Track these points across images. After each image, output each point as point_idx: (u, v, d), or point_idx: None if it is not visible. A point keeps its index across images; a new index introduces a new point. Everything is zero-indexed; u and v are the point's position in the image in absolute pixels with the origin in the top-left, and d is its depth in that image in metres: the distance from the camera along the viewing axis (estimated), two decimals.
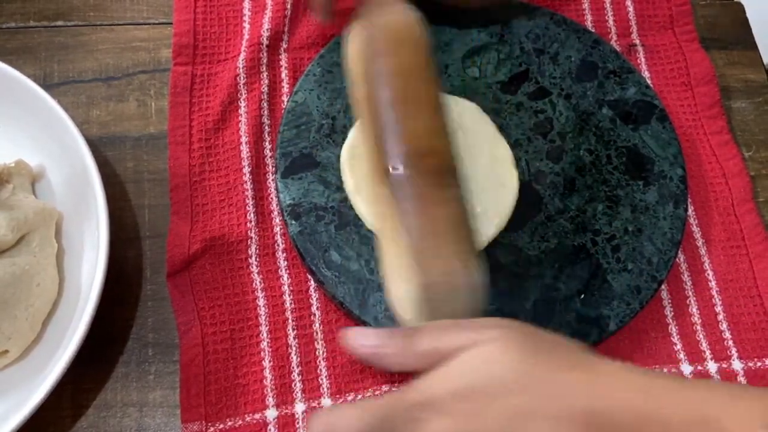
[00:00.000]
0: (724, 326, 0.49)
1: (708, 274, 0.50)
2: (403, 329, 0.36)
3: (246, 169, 0.51)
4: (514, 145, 0.51)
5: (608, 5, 0.59)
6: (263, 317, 0.47)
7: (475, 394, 0.32)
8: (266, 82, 0.54)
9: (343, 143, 0.50)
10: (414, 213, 0.39)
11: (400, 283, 0.39)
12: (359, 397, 0.45)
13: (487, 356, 0.33)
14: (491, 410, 0.32)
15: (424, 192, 0.40)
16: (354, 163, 0.49)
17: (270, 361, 0.46)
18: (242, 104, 0.53)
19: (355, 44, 0.45)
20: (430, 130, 0.42)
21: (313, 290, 0.48)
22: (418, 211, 0.39)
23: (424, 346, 0.35)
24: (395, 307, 0.40)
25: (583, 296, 0.47)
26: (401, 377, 0.46)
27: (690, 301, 0.50)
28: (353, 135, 0.50)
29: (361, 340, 0.36)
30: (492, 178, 0.49)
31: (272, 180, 0.52)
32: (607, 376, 0.33)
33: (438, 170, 0.41)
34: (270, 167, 0.52)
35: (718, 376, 0.47)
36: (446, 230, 0.39)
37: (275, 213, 0.51)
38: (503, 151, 0.50)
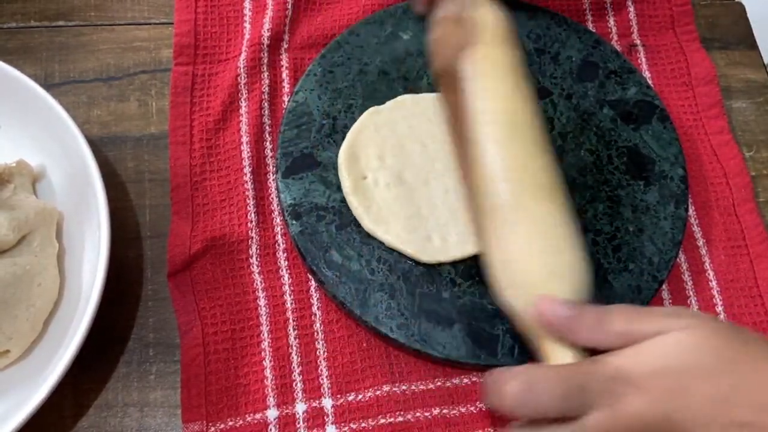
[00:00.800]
0: None
1: (709, 274, 0.50)
2: (595, 306, 0.37)
3: (247, 169, 0.51)
4: None
5: (609, 5, 0.59)
6: (264, 317, 0.47)
7: (676, 374, 0.33)
8: (267, 82, 0.54)
9: (343, 143, 0.50)
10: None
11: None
12: (360, 396, 0.45)
13: (687, 341, 0.34)
14: (693, 391, 0.33)
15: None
16: (351, 164, 0.49)
17: (271, 361, 0.46)
18: (243, 104, 0.53)
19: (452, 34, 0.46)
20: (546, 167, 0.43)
21: (313, 290, 0.48)
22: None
23: (618, 326, 0.35)
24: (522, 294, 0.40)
25: None
26: (401, 378, 0.46)
27: (691, 301, 0.50)
28: (351, 136, 0.50)
29: (558, 310, 0.37)
30: None
31: (273, 180, 0.52)
32: None
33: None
34: (271, 167, 0.52)
35: None
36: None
37: (276, 213, 0.51)
38: None
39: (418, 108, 0.51)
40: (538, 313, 0.38)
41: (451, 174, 0.49)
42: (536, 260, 0.39)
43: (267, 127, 0.53)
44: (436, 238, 0.47)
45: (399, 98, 0.52)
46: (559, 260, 0.39)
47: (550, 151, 0.44)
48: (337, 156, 0.50)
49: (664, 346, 0.34)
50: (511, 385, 0.35)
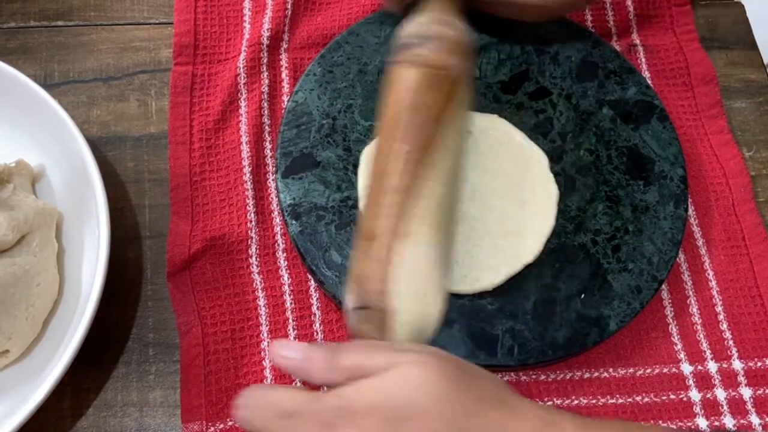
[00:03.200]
0: (724, 326, 0.49)
1: (708, 274, 0.50)
2: (328, 344, 0.37)
3: (246, 169, 0.51)
4: None
5: (608, 5, 0.59)
6: (264, 317, 0.47)
7: (392, 411, 0.32)
8: (266, 82, 0.54)
9: (343, 143, 0.50)
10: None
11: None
12: None
13: (411, 378, 0.33)
14: (403, 430, 0.32)
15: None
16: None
17: (270, 361, 0.46)
18: (243, 104, 0.53)
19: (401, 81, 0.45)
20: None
21: (313, 290, 0.48)
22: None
23: (349, 362, 0.34)
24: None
25: (583, 296, 0.47)
26: None
27: (690, 301, 0.50)
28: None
29: (284, 351, 0.36)
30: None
31: (272, 180, 0.52)
32: (523, 417, 0.33)
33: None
34: (270, 167, 0.52)
35: (719, 376, 0.47)
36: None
37: (275, 213, 0.51)
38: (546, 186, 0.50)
39: None
40: (270, 358, 0.37)
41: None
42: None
43: (266, 127, 0.53)
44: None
45: None
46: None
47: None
48: (336, 156, 0.50)
49: (393, 379, 0.33)
50: (236, 404, 0.35)
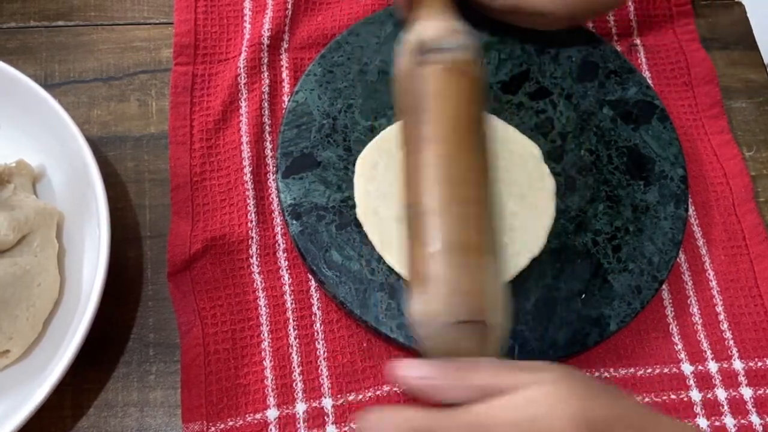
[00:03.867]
0: (724, 326, 0.49)
1: (709, 274, 0.50)
2: (456, 362, 0.37)
3: (247, 169, 0.51)
4: None
5: None
6: (264, 317, 0.47)
7: (527, 429, 0.33)
8: (267, 81, 0.54)
9: (343, 143, 0.50)
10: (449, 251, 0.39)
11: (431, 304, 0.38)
12: (360, 397, 0.45)
13: (546, 396, 0.34)
14: None
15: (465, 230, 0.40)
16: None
17: (271, 361, 0.46)
18: (243, 104, 0.53)
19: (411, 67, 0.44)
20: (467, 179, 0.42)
21: (314, 290, 0.48)
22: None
23: (481, 381, 0.35)
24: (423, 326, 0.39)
25: (583, 296, 0.47)
26: None
27: (691, 301, 0.50)
28: (385, 136, 0.50)
29: (413, 372, 0.36)
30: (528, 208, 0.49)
31: (273, 180, 0.52)
32: None
33: (479, 214, 0.41)
34: (271, 167, 0.52)
35: (719, 376, 0.47)
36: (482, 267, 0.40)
37: (276, 213, 0.51)
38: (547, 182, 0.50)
39: None
40: (395, 379, 0.37)
41: None
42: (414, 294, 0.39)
43: (267, 127, 0.53)
44: None
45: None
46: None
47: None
48: (337, 156, 0.50)
49: (521, 398, 0.34)
50: (360, 427, 0.35)
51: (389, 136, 0.50)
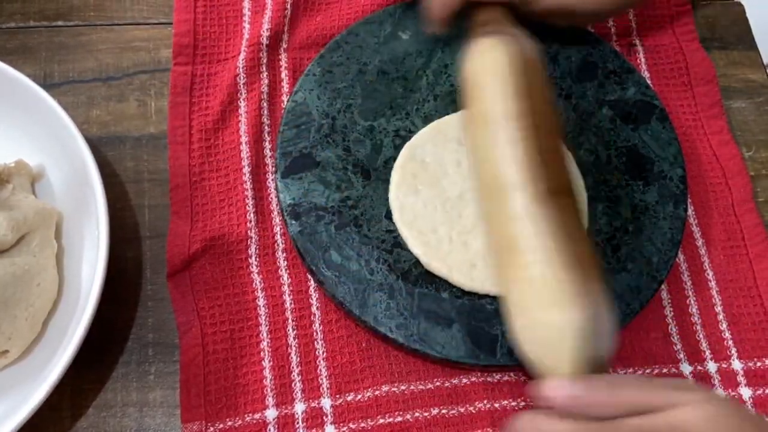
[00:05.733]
0: (723, 326, 0.49)
1: (708, 274, 0.50)
2: (604, 379, 0.37)
3: (246, 169, 0.51)
4: None
5: None
6: (263, 317, 0.47)
7: None
8: (266, 82, 0.54)
9: (342, 143, 0.50)
10: (559, 250, 0.39)
11: (550, 316, 0.39)
12: (359, 397, 0.45)
13: (702, 416, 0.34)
14: None
15: (571, 230, 0.41)
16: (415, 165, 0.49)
17: (270, 361, 0.46)
18: (242, 104, 0.53)
19: (496, 58, 0.45)
20: (564, 171, 0.43)
21: (313, 290, 0.49)
22: (564, 247, 0.40)
23: (632, 398, 0.36)
24: (533, 339, 0.39)
25: None
26: (401, 378, 0.46)
27: (690, 301, 0.50)
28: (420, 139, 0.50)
29: (563, 391, 0.37)
30: None
31: (272, 180, 0.52)
32: None
33: (573, 208, 0.42)
34: (270, 167, 0.52)
35: (718, 376, 0.47)
36: (590, 265, 0.40)
37: (275, 213, 0.51)
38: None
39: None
40: (545, 398, 0.37)
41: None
42: (551, 318, 0.39)
43: (266, 127, 0.53)
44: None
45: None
46: (567, 316, 0.38)
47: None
48: (336, 156, 0.50)
49: (676, 417, 0.34)
50: (513, 429, 0.36)
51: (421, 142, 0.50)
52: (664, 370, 0.47)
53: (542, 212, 0.40)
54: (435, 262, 0.46)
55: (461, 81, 0.47)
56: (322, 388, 0.46)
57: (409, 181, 0.49)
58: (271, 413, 0.45)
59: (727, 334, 0.49)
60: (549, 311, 0.38)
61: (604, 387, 0.36)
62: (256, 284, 0.48)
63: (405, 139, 0.50)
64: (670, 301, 0.50)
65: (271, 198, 0.51)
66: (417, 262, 0.47)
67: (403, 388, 0.46)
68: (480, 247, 0.47)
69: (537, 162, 0.41)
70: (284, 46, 0.56)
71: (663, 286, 0.50)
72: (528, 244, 0.40)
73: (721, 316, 0.49)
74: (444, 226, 0.47)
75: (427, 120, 0.51)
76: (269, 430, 0.44)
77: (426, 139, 0.50)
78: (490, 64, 0.45)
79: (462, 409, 0.45)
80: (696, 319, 0.49)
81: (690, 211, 0.52)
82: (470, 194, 0.48)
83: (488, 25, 0.47)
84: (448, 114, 0.51)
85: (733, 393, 0.47)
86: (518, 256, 0.40)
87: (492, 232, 0.43)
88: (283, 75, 0.55)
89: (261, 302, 0.48)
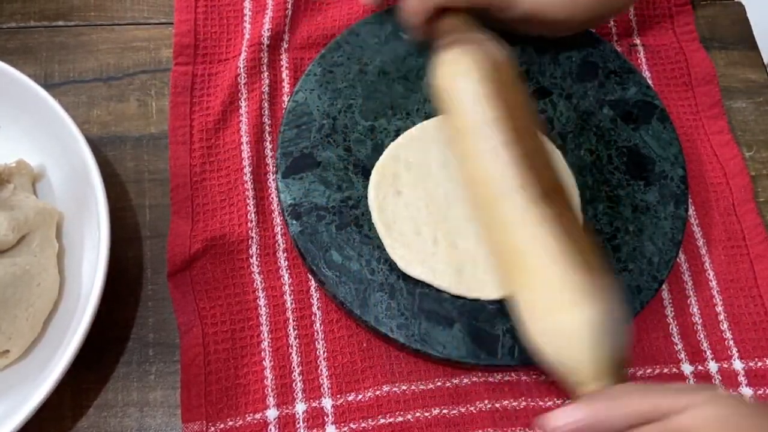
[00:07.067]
0: (724, 326, 0.49)
1: (709, 274, 0.50)
2: (603, 395, 0.38)
3: (247, 169, 0.51)
4: None
5: None
6: (264, 317, 0.47)
7: None
8: (267, 82, 0.54)
9: (343, 143, 0.50)
10: (563, 250, 0.40)
11: (565, 316, 0.39)
12: (360, 397, 0.45)
13: (713, 416, 0.35)
14: None
15: (570, 227, 0.41)
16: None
17: (271, 361, 0.46)
18: (243, 104, 0.53)
19: (463, 67, 0.45)
20: (550, 170, 0.44)
21: (313, 290, 0.48)
22: (567, 247, 0.40)
23: (639, 407, 0.36)
24: (552, 341, 0.40)
25: None
26: (401, 378, 0.46)
27: (691, 301, 0.50)
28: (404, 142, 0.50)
29: (565, 419, 0.37)
30: None
31: (273, 180, 0.52)
32: None
33: (567, 206, 0.43)
34: (271, 167, 0.52)
35: (719, 376, 0.47)
36: (594, 260, 0.41)
37: (276, 213, 0.51)
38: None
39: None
40: (553, 430, 0.37)
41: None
42: (569, 317, 0.39)
43: (267, 127, 0.53)
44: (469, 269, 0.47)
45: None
46: (587, 314, 0.39)
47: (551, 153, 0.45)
48: (337, 156, 0.50)
49: (688, 419, 0.35)
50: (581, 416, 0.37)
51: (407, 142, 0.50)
52: (665, 370, 0.47)
53: (539, 213, 0.41)
54: (416, 266, 0.46)
55: (433, 94, 0.48)
56: (323, 388, 0.46)
57: (389, 182, 0.49)
58: (271, 413, 0.45)
59: (728, 334, 0.49)
60: (565, 312, 0.39)
61: (607, 403, 0.37)
62: (256, 284, 0.48)
63: None
64: (671, 301, 0.50)
65: (272, 198, 0.51)
66: None
67: (404, 388, 0.46)
68: (470, 246, 0.47)
69: (525, 165, 0.42)
70: (285, 46, 0.56)
71: (664, 286, 0.50)
72: (532, 248, 0.40)
73: (722, 316, 0.49)
74: (428, 227, 0.47)
75: (427, 120, 0.51)
76: (270, 430, 0.44)
77: (411, 140, 0.50)
78: (457, 75, 0.45)
79: (463, 409, 0.45)
80: (697, 319, 0.49)
81: (691, 211, 0.52)
82: (455, 195, 0.48)
83: (452, 33, 0.47)
84: None
85: (734, 393, 0.47)
86: (524, 260, 0.41)
87: (492, 240, 0.44)
88: (283, 75, 0.55)
89: (262, 302, 0.48)
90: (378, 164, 0.49)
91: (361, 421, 0.45)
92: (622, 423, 0.36)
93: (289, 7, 0.56)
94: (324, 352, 0.47)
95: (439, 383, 0.46)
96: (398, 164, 0.49)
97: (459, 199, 0.48)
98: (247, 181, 0.51)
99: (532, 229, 0.41)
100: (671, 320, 0.49)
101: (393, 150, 0.50)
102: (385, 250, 0.47)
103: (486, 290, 0.46)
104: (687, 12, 0.59)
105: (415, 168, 0.49)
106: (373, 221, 0.48)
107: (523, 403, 0.46)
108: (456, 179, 0.48)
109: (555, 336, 0.40)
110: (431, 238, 0.47)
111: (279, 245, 0.50)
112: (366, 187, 0.49)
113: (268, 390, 0.45)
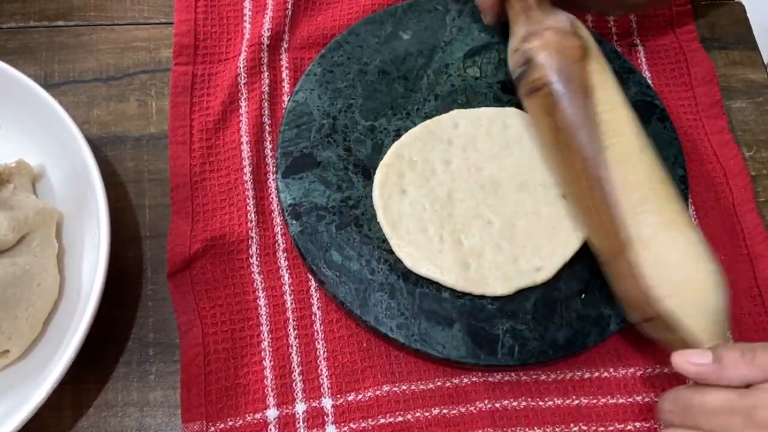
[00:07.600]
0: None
1: None
2: (737, 346, 0.39)
3: (247, 169, 0.51)
4: None
5: None
6: (264, 317, 0.47)
7: None
8: (267, 81, 0.54)
9: (343, 143, 0.50)
10: (676, 209, 0.43)
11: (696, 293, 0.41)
12: (360, 396, 0.45)
13: None
14: None
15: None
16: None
17: (271, 361, 0.46)
18: (243, 104, 0.53)
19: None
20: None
21: (313, 290, 0.48)
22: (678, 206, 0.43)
23: (764, 360, 0.37)
24: (680, 292, 0.41)
25: (584, 296, 0.47)
26: (401, 378, 0.46)
27: None
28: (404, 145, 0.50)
29: (695, 359, 0.39)
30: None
31: (273, 180, 0.52)
32: None
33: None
34: (271, 167, 0.52)
35: None
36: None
37: (276, 213, 0.51)
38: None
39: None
40: (678, 369, 0.39)
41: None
42: (701, 269, 0.41)
43: (267, 127, 0.53)
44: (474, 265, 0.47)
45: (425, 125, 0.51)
46: (713, 268, 0.41)
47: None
48: (337, 156, 0.50)
49: None
50: (660, 408, 0.40)
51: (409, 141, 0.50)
52: (665, 370, 0.47)
53: (641, 162, 0.44)
54: (423, 264, 0.46)
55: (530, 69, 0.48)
56: (323, 388, 0.46)
57: (394, 181, 0.49)
58: (271, 413, 0.45)
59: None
60: (696, 269, 0.41)
61: (734, 352, 0.38)
62: (256, 284, 0.48)
63: None
64: None
65: (272, 198, 0.51)
66: None
67: (403, 387, 0.46)
68: (474, 243, 0.47)
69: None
70: (285, 45, 0.56)
71: None
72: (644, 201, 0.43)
73: None
74: (433, 225, 0.47)
75: (427, 120, 0.51)
76: (270, 429, 0.44)
77: (415, 139, 0.50)
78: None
79: (463, 409, 0.45)
80: None
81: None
82: (460, 194, 0.48)
83: (528, 10, 0.49)
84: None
85: None
86: (639, 210, 0.43)
87: (589, 205, 0.45)
88: (283, 75, 0.55)
89: (262, 302, 0.48)
90: (382, 163, 0.49)
91: (361, 420, 0.45)
92: (750, 376, 0.37)
93: (289, 7, 0.56)
94: (324, 352, 0.47)
95: (438, 383, 0.46)
96: (402, 163, 0.49)
97: (463, 197, 0.48)
98: (247, 181, 0.51)
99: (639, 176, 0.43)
100: None
101: (397, 149, 0.50)
102: (385, 249, 0.47)
103: (491, 286, 0.46)
104: (687, 12, 0.59)
105: (419, 166, 0.49)
106: (378, 220, 0.48)
107: (523, 403, 0.46)
108: (460, 177, 0.48)
109: (683, 286, 0.41)
110: (437, 236, 0.47)
111: (279, 245, 0.50)
112: (366, 186, 0.49)
113: (268, 390, 0.45)
